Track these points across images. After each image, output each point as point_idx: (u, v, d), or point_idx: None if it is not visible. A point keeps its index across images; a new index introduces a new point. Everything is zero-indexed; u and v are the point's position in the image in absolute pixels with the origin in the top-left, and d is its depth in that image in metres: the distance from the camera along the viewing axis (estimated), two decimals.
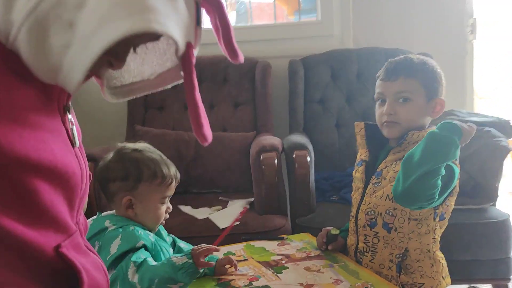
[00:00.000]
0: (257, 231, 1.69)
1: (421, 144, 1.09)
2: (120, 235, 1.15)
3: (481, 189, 1.90)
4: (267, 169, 1.78)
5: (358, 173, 1.38)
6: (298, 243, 1.52)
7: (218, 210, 1.89)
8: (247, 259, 1.41)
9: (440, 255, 1.29)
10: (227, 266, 1.28)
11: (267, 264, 1.36)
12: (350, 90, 2.46)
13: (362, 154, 1.39)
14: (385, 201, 1.25)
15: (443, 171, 1.09)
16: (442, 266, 1.29)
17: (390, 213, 1.25)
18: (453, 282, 1.78)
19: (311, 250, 1.46)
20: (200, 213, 1.85)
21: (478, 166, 1.89)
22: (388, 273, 1.27)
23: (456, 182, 1.21)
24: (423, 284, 1.27)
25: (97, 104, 2.68)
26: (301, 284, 1.22)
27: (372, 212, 1.28)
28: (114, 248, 1.13)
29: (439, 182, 1.09)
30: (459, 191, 1.79)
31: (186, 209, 1.92)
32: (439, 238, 1.29)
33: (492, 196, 1.89)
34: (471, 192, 1.89)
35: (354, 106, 2.44)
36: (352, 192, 1.40)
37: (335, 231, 1.42)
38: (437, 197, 1.11)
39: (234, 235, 1.69)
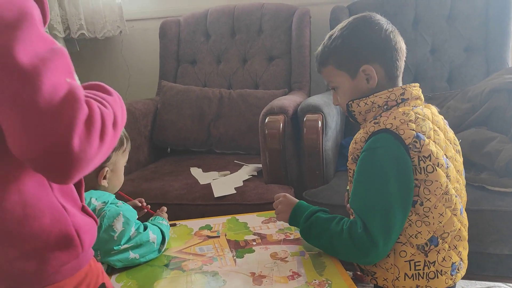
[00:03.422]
0: (253, 203, 1.53)
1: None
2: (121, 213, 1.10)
3: None
4: (270, 134, 1.58)
5: None
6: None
7: (225, 175, 1.75)
8: (219, 236, 1.29)
9: (408, 250, 1.04)
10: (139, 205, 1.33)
11: (235, 245, 1.23)
12: (403, 40, 2.09)
13: None
14: (348, 182, 1.14)
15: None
16: (410, 263, 1.04)
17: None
18: (486, 278, 1.50)
19: (294, 231, 1.29)
20: (206, 178, 1.74)
21: None
22: None
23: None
24: (375, 272, 1.07)
25: (136, 57, 2.66)
26: (252, 274, 1.07)
27: (348, 191, 1.19)
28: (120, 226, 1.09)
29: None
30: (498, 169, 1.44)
31: (196, 172, 1.82)
32: (415, 230, 1.03)
33: None
34: None
35: (406, 59, 2.07)
36: None
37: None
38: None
39: (234, 205, 1.56)
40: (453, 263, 1.06)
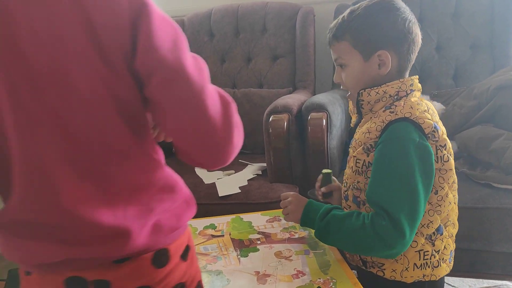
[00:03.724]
0: (258, 202, 1.53)
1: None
2: None
3: None
4: (274, 132, 1.58)
5: None
6: None
7: (229, 174, 1.75)
8: (223, 235, 1.29)
9: (419, 240, 1.03)
10: None
11: (239, 244, 1.23)
12: None
13: (352, 120, 1.17)
14: (351, 172, 1.10)
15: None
16: (420, 253, 1.03)
17: (356, 186, 1.08)
18: (493, 277, 1.48)
19: (298, 230, 1.28)
20: (210, 177, 1.73)
21: None
22: None
23: (432, 161, 0.99)
24: (383, 264, 1.05)
25: None
26: (257, 272, 1.07)
27: (345, 184, 1.14)
28: None
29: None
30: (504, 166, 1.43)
31: (201, 171, 1.82)
32: (428, 219, 1.02)
33: None
34: None
35: None
36: None
37: (326, 170, 1.29)
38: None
39: (239, 204, 1.56)
40: (451, 251, 1.08)
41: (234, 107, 0.68)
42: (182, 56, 0.63)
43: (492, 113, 1.59)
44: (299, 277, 1.04)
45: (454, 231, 1.09)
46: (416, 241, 1.02)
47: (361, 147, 1.06)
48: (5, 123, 0.60)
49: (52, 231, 0.64)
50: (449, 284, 1.80)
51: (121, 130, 0.64)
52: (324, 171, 1.28)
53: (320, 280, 1.02)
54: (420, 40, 1.08)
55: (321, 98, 1.70)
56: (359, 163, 1.08)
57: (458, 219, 1.36)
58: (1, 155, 0.62)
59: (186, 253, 0.74)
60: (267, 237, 1.26)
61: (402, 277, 1.05)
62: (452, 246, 1.09)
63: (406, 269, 1.04)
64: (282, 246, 1.20)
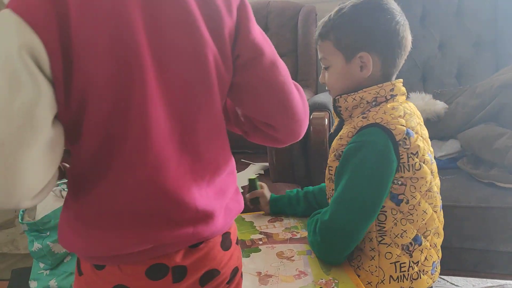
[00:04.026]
0: None
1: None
2: None
3: None
4: None
5: None
6: (290, 220, 1.34)
7: None
8: None
9: (394, 251, 1.01)
10: None
11: (241, 244, 1.22)
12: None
13: (335, 124, 1.16)
14: (326, 180, 1.10)
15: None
16: (396, 265, 1.01)
17: (331, 195, 1.08)
18: (497, 276, 1.48)
19: (300, 230, 1.28)
20: None
21: None
22: None
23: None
24: (359, 276, 1.04)
25: None
26: (259, 273, 1.07)
27: (326, 193, 1.15)
28: None
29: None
30: (508, 165, 1.42)
31: None
32: (401, 229, 1.01)
33: None
34: None
35: (413, 55, 2.03)
36: None
37: (252, 177, 1.32)
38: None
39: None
40: (433, 262, 1.05)
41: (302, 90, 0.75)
42: (272, 46, 0.71)
43: (495, 112, 1.58)
44: (301, 278, 1.03)
45: (439, 240, 1.07)
46: (390, 252, 1.01)
47: (333, 153, 1.05)
48: (133, 98, 0.59)
49: (144, 217, 0.64)
50: (453, 284, 1.79)
51: (218, 108, 0.68)
52: (250, 177, 1.30)
53: (322, 280, 1.01)
54: (409, 44, 1.05)
55: (322, 97, 1.69)
56: (331, 170, 1.07)
57: (461, 219, 1.36)
58: (109, 132, 0.60)
59: (236, 237, 0.77)
60: (269, 237, 1.25)
61: None
62: (436, 257, 1.06)
63: (382, 281, 1.02)
64: (284, 246, 1.19)
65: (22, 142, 0.50)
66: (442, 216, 1.11)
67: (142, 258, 0.65)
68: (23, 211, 1.09)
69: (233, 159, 0.75)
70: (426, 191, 1.01)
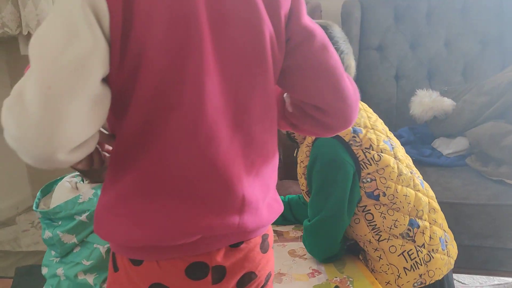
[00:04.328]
0: None
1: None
2: None
3: None
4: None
5: None
6: None
7: None
8: None
9: (396, 242, 1.02)
10: None
11: None
12: (416, 34, 2.07)
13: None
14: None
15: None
16: (404, 255, 1.02)
17: None
18: (505, 274, 1.47)
19: None
20: None
21: None
22: None
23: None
24: (377, 279, 1.04)
25: None
26: None
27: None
28: None
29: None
30: None
31: None
32: (391, 219, 1.02)
33: None
34: None
35: (419, 53, 2.05)
36: None
37: None
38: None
39: None
40: (440, 238, 1.06)
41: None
42: (323, 32, 0.69)
43: (504, 109, 1.58)
44: (315, 276, 1.03)
45: (437, 215, 1.08)
46: (393, 246, 1.02)
47: (302, 178, 1.10)
48: (189, 67, 0.58)
49: (191, 197, 0.60)
50: (459, 282, 1.78)
51: (271, 89, 0.66)
52: None
53: (336, 279, 1.01)
54: (353, 71, 1.09)
55: None
56: (303, 185, 1.12)
57: (471, 216, 1.36)
58: (161, 102, 0.59)
59: (272, 241, 0.75)
60: (280, 236, 1.25)
61: (399, 286, 1.03)
62: (441, 232, 1.07)
63: (399, 276, 1.02)
64: (295, 244, 1.19)
65: (70, 90, 0.50)
66: (430, 190, 1.12)
67: (183, 254, 0.62)
68: (38, 199, 1.09)
69: (278, 154, 0.73)
70: (397, 176, 1.03)
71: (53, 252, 1.08)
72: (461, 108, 1.69)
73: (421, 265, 1.02)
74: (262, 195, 0.67)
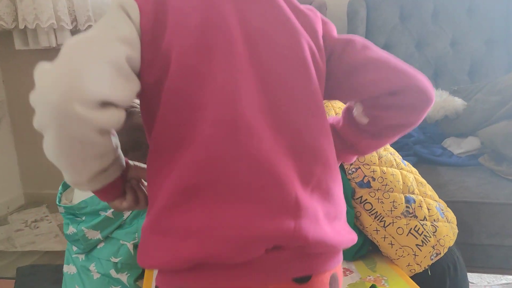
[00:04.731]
0: None
1: None
2: None
3: None
4: None
5: None
6: None
7: None
8: None
9: (400, 223, 1.03)
10: None
11: None
12: (422, 33, 2.07)
13: None
14: None
15: None
16: (412, 233, 1.03)
17: None
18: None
19: None
20: None
21: None
22: None
23: None
24: (398, 266, 1.05)
25: None
26: None
27: None
28: None
29: None
30: None
31: None
32: (389, 202, 1.03)
33: None
34: None
35: (426, 52, 2.06)
36: None
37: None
38: None
39: None
40: (436, 207, 1.08)
41: None
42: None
43: None
44: (347, 275, 1.00)
45: (425, 188, 1.10)
46: (400, 227, 1.02)
47: None
48: (218, 65, 0.60)
49: (238, 192, 0.56)
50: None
51: (318, 95, 0.65)
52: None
53: (370, 277, 0.99)
54: None
55: None
56: None
57: (489, 215, 1.35)
58: (190, 100, 0.59)
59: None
60: None
61: (420, 265, 1.03)
62: (434, 202, 1.08)
63: (415, 255, 1.02)
64: None
65: (96, 48, 0.54)
66: (413, 168, 1.15)
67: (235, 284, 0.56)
68: (60, 193, 1.05)
69: (339, 175, 0.67)
70: (379, 158, 1.06)
71: (74, 248, 1.05)
72: (473, 107, 1.69)
73: (430, 237, 1.03)
74: (325, 209, 0.61)
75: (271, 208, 0.56)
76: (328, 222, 0.61)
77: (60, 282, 1.10)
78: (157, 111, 0.59)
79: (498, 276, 1.78)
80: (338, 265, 0.63)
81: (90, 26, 2.35)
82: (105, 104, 0.52)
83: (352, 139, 0.75)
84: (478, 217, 1.36)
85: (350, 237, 0.64)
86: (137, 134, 1.02)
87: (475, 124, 1.66)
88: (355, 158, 0.80)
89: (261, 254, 0.55)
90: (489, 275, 1.80)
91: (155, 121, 0.60)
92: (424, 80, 0.68)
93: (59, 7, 2.22)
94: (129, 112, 1.01)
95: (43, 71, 0.51)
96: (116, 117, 0.54)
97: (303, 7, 0.69)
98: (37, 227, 2.32)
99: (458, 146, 1.68)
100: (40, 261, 1.92)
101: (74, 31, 2.37)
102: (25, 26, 2.21)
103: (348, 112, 0.76)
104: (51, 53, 2.30)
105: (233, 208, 0.55)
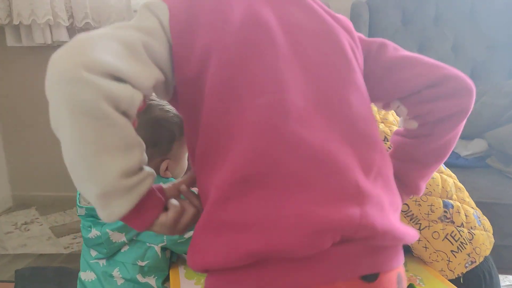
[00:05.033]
0: None
1: None
2: None
3: None
4: None
5: None
6: None
7: None
8: None
9: (437, 227, 1.01)
10: None
11: None
12: (424, 37, 2.09)
13: None
14: None
15: None
16: (448, 238, 1.01)
17: None
18: None
19: None
20: None
21: None
22: None
23: None
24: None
25: None
26: None
27: None
28: None
29: None
30: None
31: None
32: (427, 205, 1.02)
33: None
34: None
35: (428, 56, 2.05)
36: None
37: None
38: None
39: None
40: (473, 214, 1.07)
41: None
42: None
43: None
44: None
45: (463, 194, 1.09)
46: (436, 231, 1.01)
47: None
48: (256, 58, 0.61)
49: (296, 181, 0.53)
50: None
51: (362, 85, 0.67)
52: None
53: None
54: None
55: None
56: None
57: (503, 216, 1.36)
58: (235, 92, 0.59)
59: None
60: None
61: (452, 270, 1.01)
62: (471, 209, 1.08)
63: (449, 261, 1.01)
64: None
65: (114, 31, 0.57)
66: (449, 171, 1.14)
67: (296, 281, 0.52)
68: (79, 193, 1.00)
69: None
70: None
71: (93, 253, 0.99)
72: (480, 110, 1.71)
73: (466, 244, 1.01)
74: (389, 198, 0.59)
75: (333, 196, 0.53)
76: (393, 212, 0.59)
77: (64, 285, 1.05)
78: (202, 105, 0.59)
79: (501, 276, 1.79)
80: (401, 265, 0.61)
81: (87, 23, 2.30)
82: (119, 79, 0.52)
83: (415, 153, 0.76)
84: (491, 218, 1.37)
85: (413, 232, 0.61)
86: (156, 129, 0.99)
87: (482, 126, 1.68)
88: (408, 198, 0.82)
89: (328, 247, 0.52)
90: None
91: (201, 114, 0.59)
92: (456, 70, 0.74)
93: (56, 2, 2.16)
94: (148, 105, 0.98)
95: (55, 53, 0.52)
96: (130, 93, 0.53)
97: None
98: (28, 230, 2.25)
99: (464, 148, 1.70)
100: (36, 264, 1.85)
101: (70, 28, 2.30)
102: (20, 22, 2.14)
103: (396, 134, 0.79)
104: (44, 50, 2.23)
105: (292, 197, 0.52)
